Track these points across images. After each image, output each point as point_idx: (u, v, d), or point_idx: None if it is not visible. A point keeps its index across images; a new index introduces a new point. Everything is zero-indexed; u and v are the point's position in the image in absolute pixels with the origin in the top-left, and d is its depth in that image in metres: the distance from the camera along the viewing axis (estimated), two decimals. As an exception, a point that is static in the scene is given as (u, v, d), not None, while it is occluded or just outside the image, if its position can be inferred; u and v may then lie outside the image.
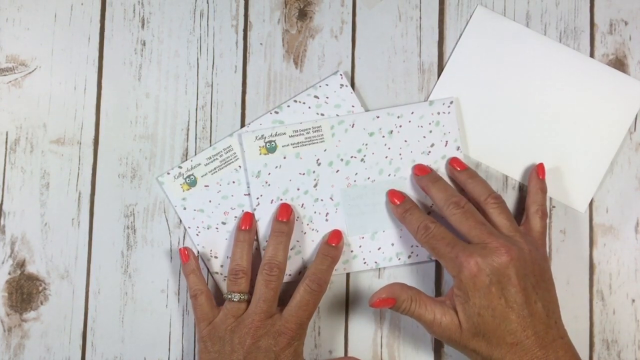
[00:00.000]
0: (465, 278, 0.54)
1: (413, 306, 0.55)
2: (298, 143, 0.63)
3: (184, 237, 0.64)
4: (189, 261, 0.61)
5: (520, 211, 0.63)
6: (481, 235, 0.55)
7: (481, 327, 0.53)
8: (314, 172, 0.63)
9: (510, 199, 0.63)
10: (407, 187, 0.62)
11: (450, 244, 0.56)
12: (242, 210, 0.63)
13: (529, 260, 0.55)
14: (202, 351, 0.58)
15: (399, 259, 0.62)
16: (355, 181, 0.63)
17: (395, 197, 0.61)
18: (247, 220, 0.61)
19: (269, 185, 0.62)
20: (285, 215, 0.60)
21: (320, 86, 0.64)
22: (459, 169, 0.61)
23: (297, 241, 0.62)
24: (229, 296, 0.59)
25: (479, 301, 0.53)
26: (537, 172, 0.61)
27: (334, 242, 0.60)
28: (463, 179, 0.61)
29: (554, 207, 0.63)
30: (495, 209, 0.58)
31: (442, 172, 0.63)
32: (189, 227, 0.63)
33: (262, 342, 0.56)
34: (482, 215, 0.58)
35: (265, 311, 0.57)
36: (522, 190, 0.63)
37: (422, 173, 0.61)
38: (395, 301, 0.55)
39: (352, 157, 0.63)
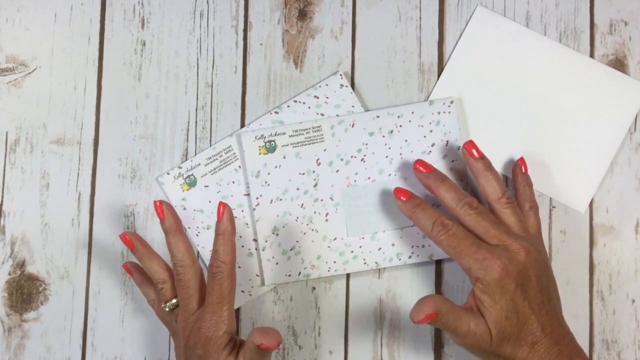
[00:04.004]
0: (494, 281, 0.53)
1: (451, 319, 0.53)
2: (298, 143, 0.63)
3: (184, 237, 0.64)
4: (133, 275, 0.61)
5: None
6: (500, 236, 0.55)
7: (507, 331, 0.53)
8: (313, 172, 0.63)
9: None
10: (407, 187, 0.62)
11: (474, 245, 0.54)
12: (241, 211, 0.63)
13: (541, 260, 0.55)
14: (175, 351, 0.60)
15: (400, 259, 0.62)
16: (355, 181, 0.63)
17: (401, 194, 0.58)
18: (129, 243, 0.59)
19: (269, 185, 0.62)
20: (161, 215, 0.57)
21: (320, 86, 0.64)
22: (475, 156, 0.59)
23: (297, 241, 0.62)
24: (163, 307, 0.59)
25: (505, 304, 0.53)
26: (520, 167, 0.61)
27: (218, 218, 0.57)
28: (479, 169, 0.58)
29: (554, 207, 0.63)
30: (508, 209, 0.57)
31: (444, 172, 0.62)
32: (189, 228, 0.63)
33: (190, 342, 0.56)
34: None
35: (185, 310, 0.57)
36: (522, 191, 0.63)
37: (426, 169, 0.59)
38: (437, 316, 0.52)
39: (352, 156, 0.63)
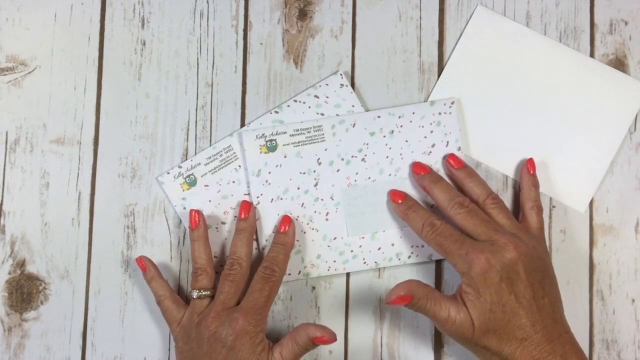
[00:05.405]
0: (476, 274, 0.54)
1: (428, 304, 0.54)
2: (299, 142, 0.63)
3: (184, 237, 0.64)
4: (147, 269, 0.61)
5: (519, 209, 0.63)
6: (488, 232, 0.56)
7: (492, 324, 0.53)
8: (314, 171, 0.63)
9: (510, 199, 0.63)
10: (407, 187, 0.62)
11: (458, 241, 0.56)
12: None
13: (534, 256, 0.55)
14: (176, 352, 0.59)
15: (399, 259, 0.62)
16: (355, 181, 0.63)
17: (396, 196, 0.61)
18: (194, 220, 0.61)
19: (269, 184, 0.62)
20: (244, 213, 0.61)
21: (320, 86, 0.64)
22: (456, 166, 0.61)
23: (297, 241, 0.62)
24: (190, 293, 0.60)
25: (489, 297, 0.53)
26: (527, 167, 0.62)
27: (281, 229, 0.61)
28: (461, 177, 0.61)
29: (554, 207, 0.63)
30: (494, 208, 0.58)
31: (444, 172, 0.63)
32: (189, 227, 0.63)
33: (220, 332, 0.56)
34: None
35: (222, 303, 0.58)
36: (522, 190, 0.64)
37: (423, 172, 0.61)
38: (412, 298, 0.54)
39: (352, 156, 0.63)
